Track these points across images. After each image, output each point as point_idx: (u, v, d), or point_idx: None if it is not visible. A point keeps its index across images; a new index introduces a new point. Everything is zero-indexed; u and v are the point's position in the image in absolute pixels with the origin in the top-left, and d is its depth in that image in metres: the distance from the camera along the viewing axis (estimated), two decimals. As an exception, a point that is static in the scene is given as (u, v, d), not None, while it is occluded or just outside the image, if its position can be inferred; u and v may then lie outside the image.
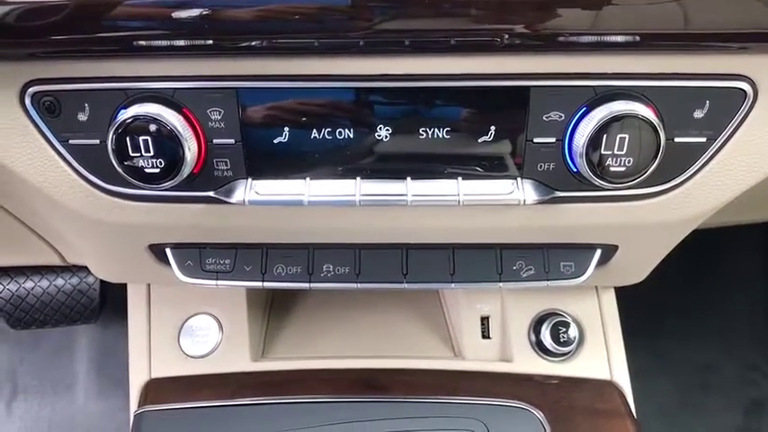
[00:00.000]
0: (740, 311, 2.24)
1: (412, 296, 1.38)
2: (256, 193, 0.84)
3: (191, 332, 1.24)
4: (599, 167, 0.79)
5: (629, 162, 0.78)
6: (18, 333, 1.73)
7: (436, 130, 0.82)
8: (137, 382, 1.22)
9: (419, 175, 0.84)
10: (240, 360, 1.22)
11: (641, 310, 1.71)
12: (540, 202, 0.84)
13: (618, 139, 0.77)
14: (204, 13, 0.71)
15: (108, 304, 1.68)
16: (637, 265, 1.09)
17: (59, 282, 1.58)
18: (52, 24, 0.71)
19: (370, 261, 1.00)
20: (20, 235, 1.16)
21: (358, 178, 0.84)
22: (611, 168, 0.79)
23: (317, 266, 1.00)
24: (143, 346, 1.23)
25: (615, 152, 0.78)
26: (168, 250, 1.01)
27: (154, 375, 1.22)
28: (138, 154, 0.78)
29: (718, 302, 2.24)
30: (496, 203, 0.85)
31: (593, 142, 0.77)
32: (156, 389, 1.20)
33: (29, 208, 1.03)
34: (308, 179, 0.84)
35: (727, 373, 2.17)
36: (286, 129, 0.82)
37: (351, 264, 1.00)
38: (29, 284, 1.57)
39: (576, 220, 0.90)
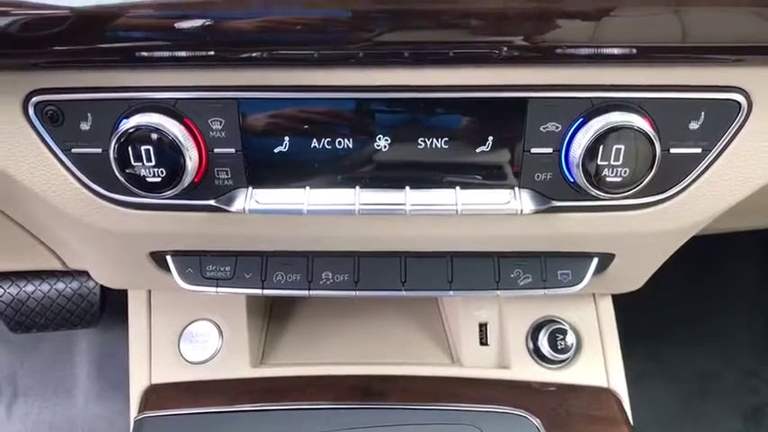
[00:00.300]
0: (739, 317, 2.24)
1: (410, 303, 1.39)
2: (256, 201, 0.84)
3: (191, 338, 1.24)
4: (595, 178, 0.79)
5: (625, 173, 0.79)
6: (19, 336, 1.74)
7: (434, 139, 0.82)
8: (137, 387, 1.22)
9: (417, 184, 0.85)
10: (240, 366, 1.22)
11: (640, 316, 1.71)
12: (538, 212, 0.85)
13: (614, 149, 0.78)
14: (206, 24, 0.71)
15: (108, 308, 1.67)
16: (634, 273, 1.10)
17: (60, 286, 1.57)
18: (55, 35, 0.72)
19: (368, 269, 1.01)
20: (21, 240, 1.16)
21: (357, 187, 0.85)
22: (608, 179, 0.79)
23: (316, 274, 1.01)
24: (143, 352, 1.24)
25: (611, 163, 0.78)
26: (169, 257, 1.01)
27: (154, 381, 1.22)
28: (140, 163, 0.79)
29: (717, 308, 2.23)
30: (494, 213, 0.85)
31: (590, 153, 0.78)
32: (156, 395, 1.20)
33: (30, 214, 1.04)
34: (307, 188, 0.85)
35: (726, 379, 2.17)
36: (286, 138, 0.82)
37: (350, 271, 1.01)
38: (29, 288, 1.56)
39: (573, 229, 0.91)
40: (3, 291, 1.54)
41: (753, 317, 2.24)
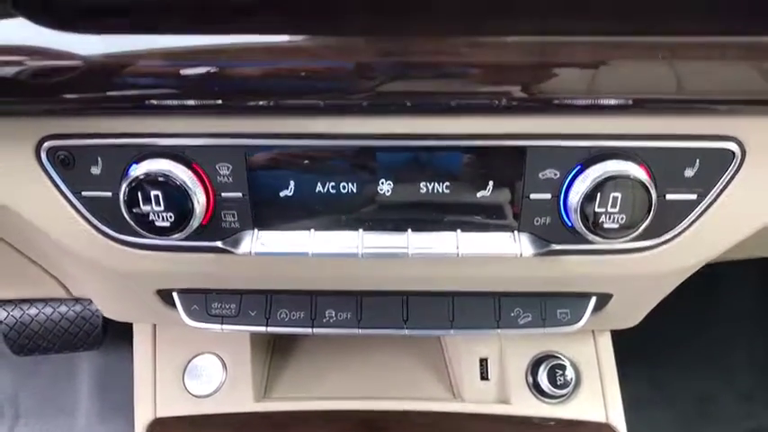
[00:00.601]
0: (738, 340, 2.23)
1: (412, 339, 1.39)
2: (262, 244, 0.86)
3: (195, 372, 1.25)
4: (593, 223, 0.81)
5: (622, 219, 0.80)
6: (21, 357, 1.74)
7: (436, 185, 0.84)
8: (142, 420, 1.23)
9: (419, 227, 0.86)
10: (243, 400, 1.23)
11: (639, 339, 1.71)
12: (537, 255, 0.86)
13: (611, 197, 0.79)
14: (213, 74, 0.73)
15: (111, 331, 1.68)
16: (631, 312, 1.11)
17: (63, 309, 1.57)
18: (66, 83, 0.74)
19: (371, 308, 1.02)
20: (26, 270, 1.17)
21: (360, 230, 0.86)
22: (605, 225, 0.81)
23: (319, 312, 1.02)
24: (148, 385, 1.25)
25: (609, 209, 0.80)
26: (175, 295, 1.03)
27: (159, 414, 1.23)
28: (149, 207, 0.80)
29: (715, 331, 2.22)
30: (494, 256, 0.87)
31: (588, 200, 0.80)
32: (161, 428, 1.21)
33: (39, 250, 1.05)
34: (312, 231, 0.86)
35: (725, 402, 2.16)
36: (292, 183, 0.84)
37: (352, 310, 1.02)
38: (32, 311, 1.56)
39: (572, 270, 0.92)
40: (6, 313, 1.55)
41: (752, 340, 2.23)
